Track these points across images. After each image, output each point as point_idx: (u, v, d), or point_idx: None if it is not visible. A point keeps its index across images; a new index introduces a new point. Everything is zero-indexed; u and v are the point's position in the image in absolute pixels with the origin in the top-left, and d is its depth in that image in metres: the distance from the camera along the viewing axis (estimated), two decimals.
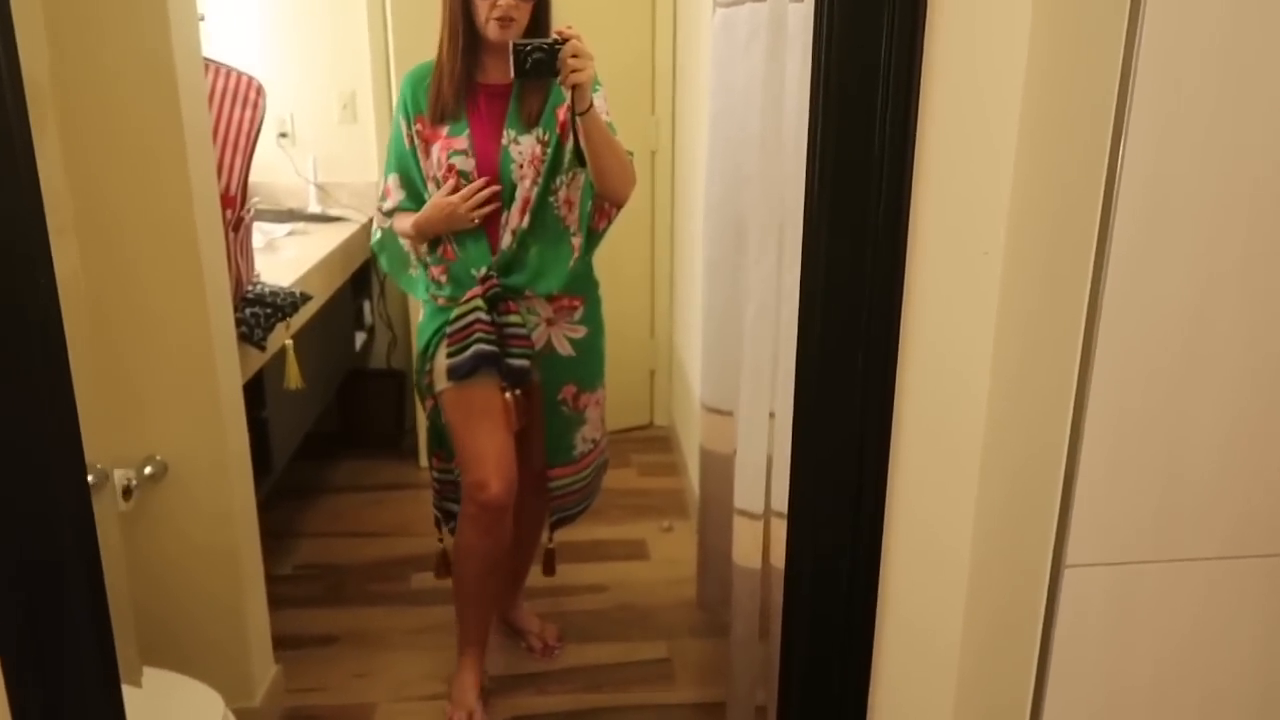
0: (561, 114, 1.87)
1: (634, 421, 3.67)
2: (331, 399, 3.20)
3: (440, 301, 1.98)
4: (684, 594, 2.56)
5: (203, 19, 2.94)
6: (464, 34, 1.83)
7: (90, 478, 1.19)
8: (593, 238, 2.03)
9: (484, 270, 1.91)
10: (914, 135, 0.83)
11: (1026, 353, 0.89)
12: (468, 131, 1.86)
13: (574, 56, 1.71)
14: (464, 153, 1.86)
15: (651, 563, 2.77)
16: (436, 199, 1.89)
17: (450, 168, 1.87)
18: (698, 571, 2.32)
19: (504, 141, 1.86)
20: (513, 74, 1.73)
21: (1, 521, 0.87)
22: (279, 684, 2.10)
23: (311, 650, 2.34)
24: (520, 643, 2.35)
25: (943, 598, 0.94)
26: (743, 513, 1.68)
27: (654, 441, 3.59)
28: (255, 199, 3.09)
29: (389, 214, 2.00)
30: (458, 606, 2.13)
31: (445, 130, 1.87)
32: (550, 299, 1.96)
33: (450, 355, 1.93)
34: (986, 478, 0.91)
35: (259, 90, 1.89)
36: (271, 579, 2.58)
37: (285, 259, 2.64)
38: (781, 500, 1.55)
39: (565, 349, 2.01)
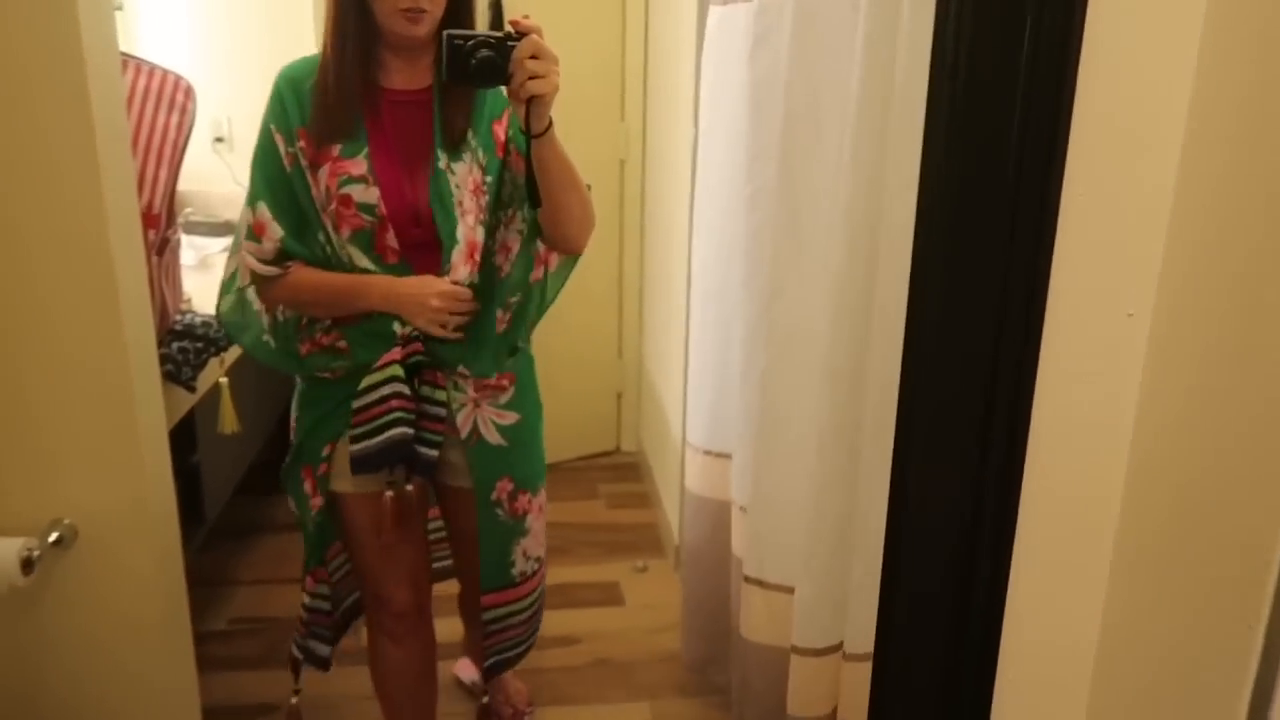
0: (500, 130, 1.44)
1: (600, 447, 3.45)
2: (274, 429, 2.93)
3: (335, 374, 1.52)
4: (665, 645, 2.35)
5: (119, 8, 2.66)
6: (356, 25, 1.37)
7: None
8: (530, 295, 1.52)
9: (409, 328, 1.44)
10: (1062, 160, 0.63)
11: (1201, 446, 0.69)
12: (366, 152, 1.40)
13: (533, 58, 1.25)
14: (362, 180, 1.39)
15: (627, 609, 2.55)
16: (421, 282, 1.41)
17: (345, 200, 1.39)
18: (682, 627, 2.11)
19: (439, 165, 1.40)
20: (447, 76, 1.28)
21: None
22: None
23: None
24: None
25: None
26: (755, 582, 1.47)
27: (622, 469, 3.37)
28: (188, 210, 2.81)
29: (272, 261, 1.46)
30: (386, 713, 1.81)
31: (336, 150, 1.40)
32: (480, 379, 1.52)
33: (354, 440, 1.47)
34: (1129, 612, 0.71)
35: (188, 92, 1.63)
36: (202, 636, 2.31)
37: (220, 279, 2.36)
38: (813, 577, 1.34)
39: (494, 437, 1.56)
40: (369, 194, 1.39)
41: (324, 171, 1.40)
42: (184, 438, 1.94)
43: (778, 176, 1.32)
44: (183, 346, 1.71)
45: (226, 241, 2.68)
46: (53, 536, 1.50)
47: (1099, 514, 0.75)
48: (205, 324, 1.83)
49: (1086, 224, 0.67)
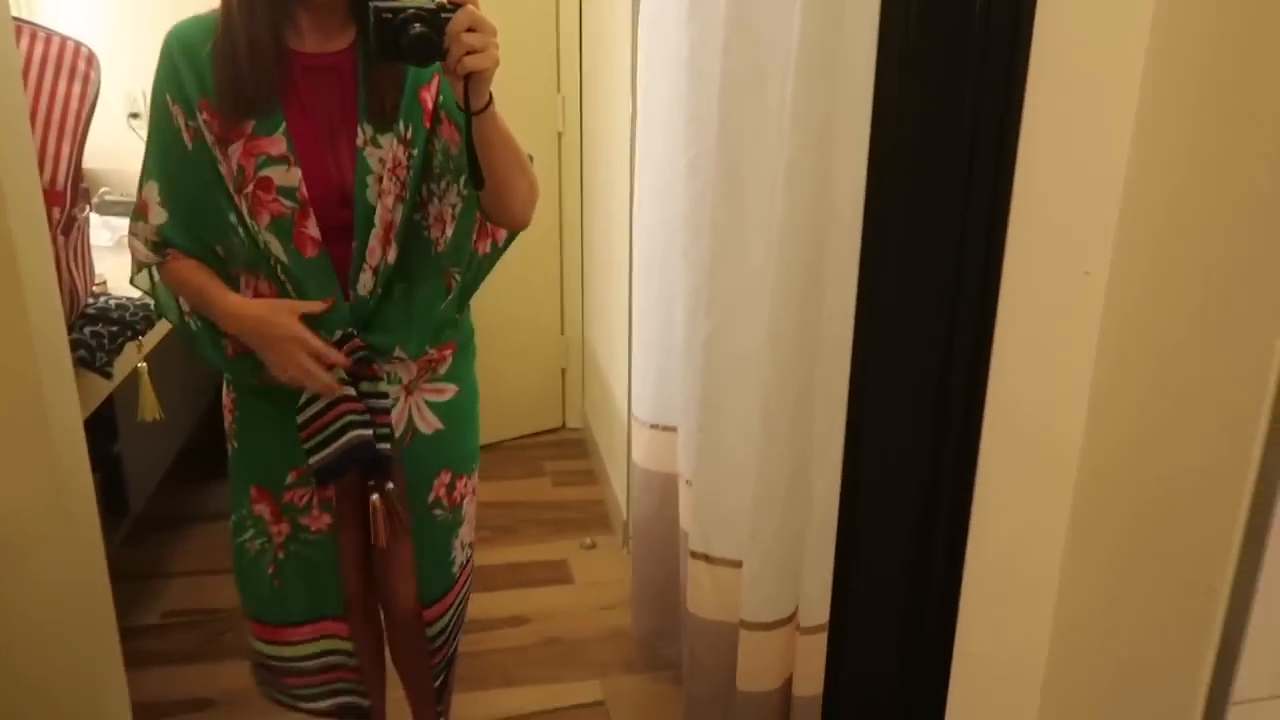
0: (428, 97, 1.30)
1: (544, 425, 3.40)
2: (203, 411, 2.82)
3: (263, 382, 1.38)
4: (614, 622, 2.32)
5: None
6: None
7: None
8: (475, 268, 1.44)
9: (340, 332, 1.33)
10: (1017, 117, 0.59)
11: (1166, 405, 0.67)
12: (284, 128, 1.25)
13: (470, 31, 1.13)
14: (282, 161, 1.25)
15: (576, 586, 2.52)
16: (280, 318, 1.29)
17: (263, 183, 1.25)
18: (632, 602, 2.09)
19: (359, 142, 1.27)
20: (376, 54, 1.15)
21: None
22: None
23: (182, 719, 2.00)
24: None
25: None
26: (702, 556, 1.44)
27: (567, 445, 3.33)
28: (103, 190, 2.68)
29: (157, 245, 1.33)
30: None
31: (249, 126, 1.24)
32: (419, 357, 1.40)
33: (310, 453, 1.37)
34: (1088, 575, 0.69)
35: (89, 59, 1.53)
36: (134, 631, 2.23)
37: None
38: (762, 550, 1.31)
39: (430, 423, 1.44)
40: (290, 176, 1.25)
41: (235, 150, 1.25)
42: (103, 427, 1.85)
43: (717, 141, 1.28)
44: (96, 331, 1.61)
45: None
46: None
47: (1057, 477, 0.73)
48: (120, 307, 1.74)
49: (1043, 181, 0.64)
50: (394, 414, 1.40)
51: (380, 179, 1.28)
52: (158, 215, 1.31)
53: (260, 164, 1.25)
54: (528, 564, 2.59)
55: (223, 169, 1.27)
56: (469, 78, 1.16)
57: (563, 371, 3.40)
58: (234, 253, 1.33)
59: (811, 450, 1.21)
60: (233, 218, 1.30)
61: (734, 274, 1.31)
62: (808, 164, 1.09)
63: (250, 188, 1.26)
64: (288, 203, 1.27)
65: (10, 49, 1.36)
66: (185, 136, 1.27)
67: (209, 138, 1.26)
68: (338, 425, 1.35)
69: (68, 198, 1.52)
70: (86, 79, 1.52)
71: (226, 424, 1.51)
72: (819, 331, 1.14)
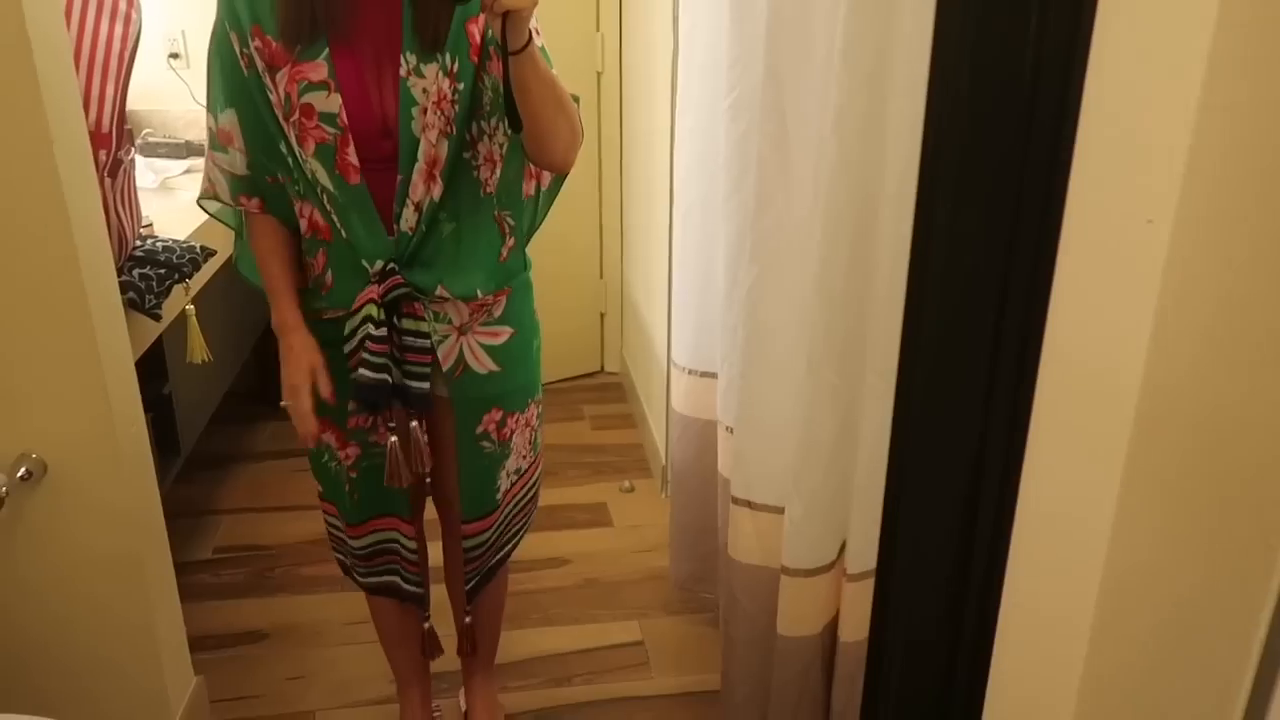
0: (475, 31, 1.27)
1: (583, 369, 3.41)
2: (248, 355, 2.87)
3: (324, 315, 1.41)
4: (652, 565, 2.35)
5: None
6: None
7: None
8: (524, 212, 1.42)
9: (381, 264, 1.34)
10: (1083, 62, 0.57)
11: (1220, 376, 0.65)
12: (326, 53, 1.24)
13: None
14: (323, 87, 1.24)
15: (615, 529, 2.54)
16: (300, 363, 1.37)
17: (306, 109, 1.25)
18: (670, 547, 2.10)
19: (402, 72, 1.25)
20: None
21: None
22: (200, 698, 1.82)
23: (238, 650, 2.07)
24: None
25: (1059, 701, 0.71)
26: (744, 503, 1.44)
27: (606, 389, 3.34)
28: (146, 131, 2.70)
29: (235, 187, 1.37)
30: (382, 644, 1.77)
31: (296, 51, 1.24)
32: (468, 299, 1.39)
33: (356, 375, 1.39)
34: (1140, 532, 0.68)
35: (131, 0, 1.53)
36: (187, 566, 2.29)
37: (183, 202, 2.28)
38: (803, 495, 1.31)
39: (484, 363, 1.44)
40: (330, 102, 1.25)
41: (282, 76, 1.25)
42: (154, 368, 1.88)
43: (763, 83, 1.25)
44: (144, 274, 1.63)
45: (189, 164, 2.58)
46: (20, 471, 1.45)
47: (1113, 425, 0.71)
48: (168, 249, 1.76)
49: (1107, 127, 0.62)
50: (443, 350, 1.41)
51: (425, 111, 1.26)
52: (240, 148, 1.34)
53: (302, 89, 1.25)
54: (567, 506, 2.62)
55: (272, 96, 1.27)
56: (507, 16, 1.14)
57: (601, 316, 3.40)
58: (291, 181, 1.35)
59: (858, 398, 1.20)
60: (283, 146, 1.31)
61: (778, 221, 1.29)
62: (857, 108, 1.06)
63: (296, 115, 1.26)
64: (329, 129, 1.26)
65: None
66: (242, 63, 1.28)
67: (260, 64, 1.26)
68: (377, 361, 1.36)
69: (113, 140, 1.53)
70: (128, 19, 1.52)
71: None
72: (869, 280, 1.13)
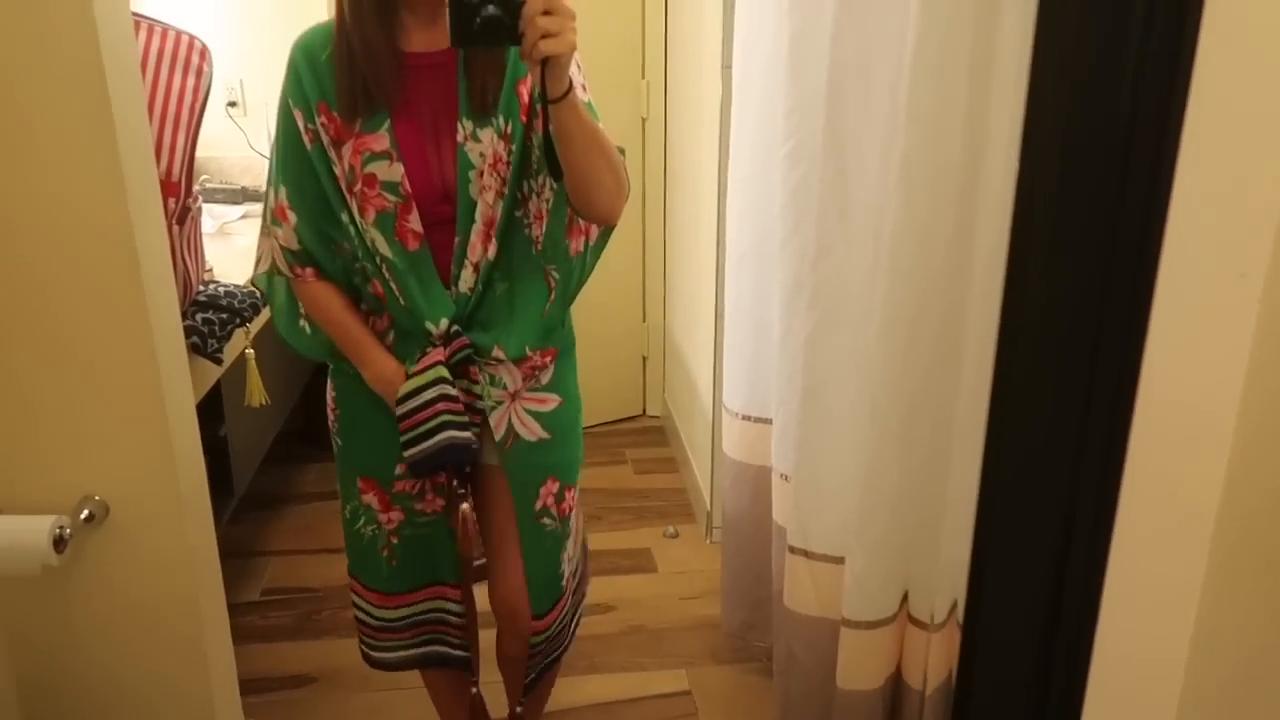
0: (524, 91, 1.30)
1: (625, 412, 3.41)
2: (299, 397, 2.90)
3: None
4: (699, 612, 2.32)
5: None
6: None
7: None
8: (571, 268, 1.41)
9: (445, 324, 1.35)
10: (1180, 115, 0.57)
11: None
12: (388, 125, 1.28)
13: (546, 14, 1.10)
14: (386, 156, 1.28)
15: (659, 575, 2.52)
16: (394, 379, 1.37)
17: (369, 179, 1.29)
18: (722, 594, 2.08)
19: (459, 138, 1.29)
20: (452, 40, 1.14)
21: None
22: None
23: (285, 694, 2.07)
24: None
25: None
26: (801, 552, 1.43)
27: (647, 434, 3.34)
28: (204, 177, 2.76)
29: (290, 258, 1.39)
30: (436, 706, 1.76)
31: (358, 125, 1.29)
32: (520, 361, 1.40)
33: (405, 446, 1.39)
34: (1232, 582, 0.66)
35: (203, 53, 1.57)
36: (236, 608, 2.30)
37: (239, 247, 2.33)
38: (864, 546, 1.29)
39: (533, 430, 1.44)
40: (392, 171, 1.29)
41: (347, 149, 1.30)
42: (211, 410, 1.91)
43: (824, 131, 1.25)
44: (207, 318, 1.66)
45: (245, 209, 2.63)
46: (84, 514, 1.47)
47: (1206, 480, 0.70)
48: (229, 294, 1.79)
49: (1202, 181, 0.61)
50: (494, 417, 1.41)
51: (481, 174, 1.29)
52: (292, 218, 1.36)
53: (365, 160, 1.28)
54: (611, 551, 2.60)
55: (336, 169, 1.31)
56: (545, 63, 1.14)
57: (644, 359, 3.40)
58: (349, 253, 1.37)
59: (918, 447, 1.18)
60: (344, 217, 1.34)
61: (837, 269, 1.29)
62: (923, 160, 1.06)
63: (359, 185, 1.30)
64: (391, 197, 1.30)
65: (130, 44, 1.41)
66: (305, 139, 1.32)
67: (325, 139, 1.30)
68: (433, 423, 1.36)
69: (182, 188, 1.57)
70: (200, 72, 1.56)
71: (330, 421, 1.55)
72: (931, 330, 1.12)
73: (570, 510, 1.49)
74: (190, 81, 1.54)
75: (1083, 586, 0.68)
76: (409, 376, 1.36)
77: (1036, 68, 0.58)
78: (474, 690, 1.61)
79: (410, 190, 1.29)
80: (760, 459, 1.79)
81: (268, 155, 2.85)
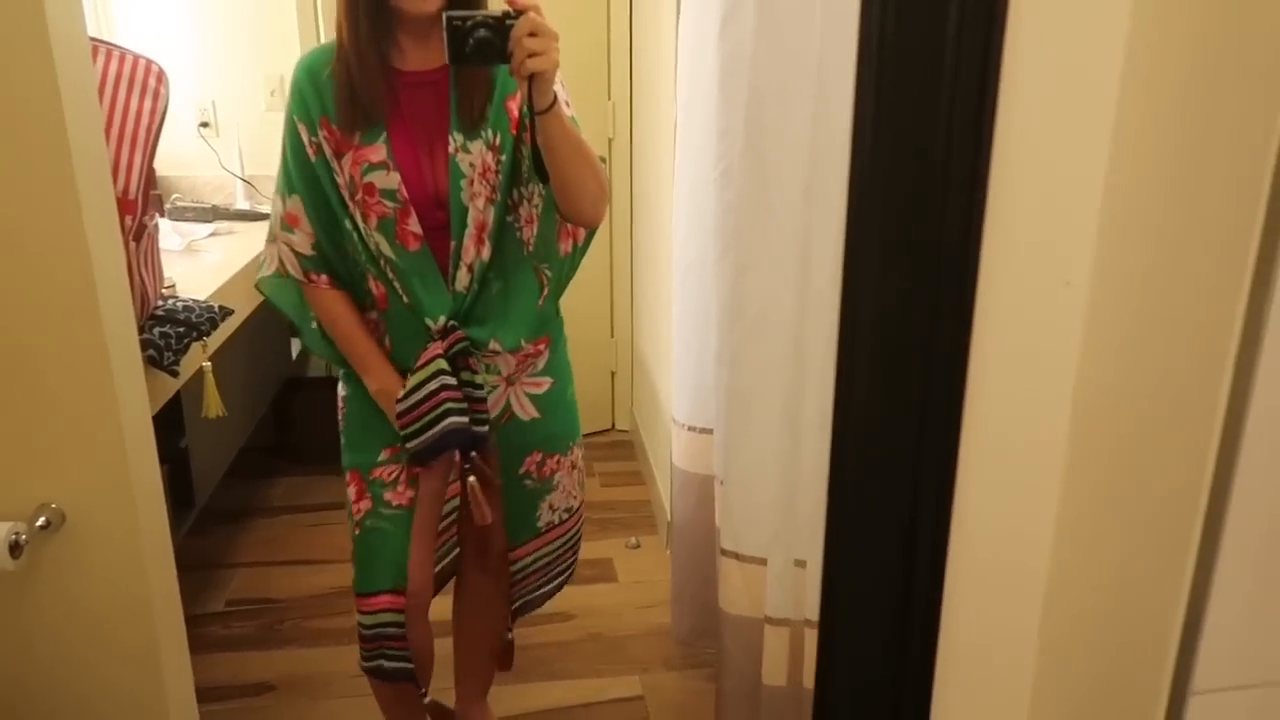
0: (514, 107, 1.44)
1: (594, 426, 3.46)
2: (265, 411, 2.95)
3: None
4: (655, 620, 2.37)
5: None
6: (369, 7, 1.36)
7: None
8: (562, 266, 1.58)
9: (443, 320, 1.48)
10: (990, 127, 0.63)
11: (1136, 414, 0.70)
12: (384, 137, 1.40)
13: (532, 35, 1.25)
14: (382, 166, 1.40)
15: (619, 585, 2.57)
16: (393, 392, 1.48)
17: (368, 188, 1.41)
18: (672, 601, 2.13)
19: (450, 150, 1.41)
20: (448, 58, 1.28)
21: None
22: None
23: (244, 702, 2.11)
24: None
25: None
26: (732, 554, 1.48)
27: (616, 447, 3.39)
28: (175, 196, 2.82)
29: (304, 263, 1.50)
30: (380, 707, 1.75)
31: (357, 138, 1.41)
32: (515, 351, 1.54)
33: (408, 439, 1.50)
34: (1071, 572, 0.72)
35: (159, 76, 1.63)
36: (199, 618, 2.34)
37: (207, 263, 2.37)
38: (787, 546, 1.36)
39: (528, 411, 1.60)
40: (390, 179, 1.40)
41: (347, 160, 1.41)
42: (171, 422, 1.95)
43: (744, 154, 1.32)
44: (164, 332, 1.71)
45: (214, 227, 2.68)
46: (40, 521, 1.51)
47: (1040, 488, 0.76)
48: (188, 309, 1.84)
49: (1020, 192, 0.67)
50: (492, 399, 1.54)
51: (471, 182, 1.42)
52: (308, 225, 1.48)
53: (365, 170, 1.41)
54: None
55: (339, 179, 1.43)
56: (532, 79, 1.28)
57: (612, 374, 3.46)
58: (355, 256, 1.49)
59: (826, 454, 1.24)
60: (348, 224, 1.46)
61: (761, 283, 1.35)
62: (824, 182, 1.12)
63: (359, 194, 1.42)
64: (390, 204, 1.42)
65: (87, 67, 1.47)
66: (309, 151, 1.44)
67: (327, 151, 1.42)
68: (437, 412, 1.47)
69: (139, 206, 1.62)
70: (157, 95, 1.62)
71: (340, 420, 1.65)
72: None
73: (552, 473, 1.65)
74: (147, 104, 1.60)
75: (926, 592, 0.73)
76: (411, 374, 1.48)
77: (860, 80, 0.64)
78: (426, 700, 1.66)
79: (407, 196, 1.41)
80: (705, 468, 1.84)
81: (238, 174, 2.92)
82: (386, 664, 1.61)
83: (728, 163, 1.47)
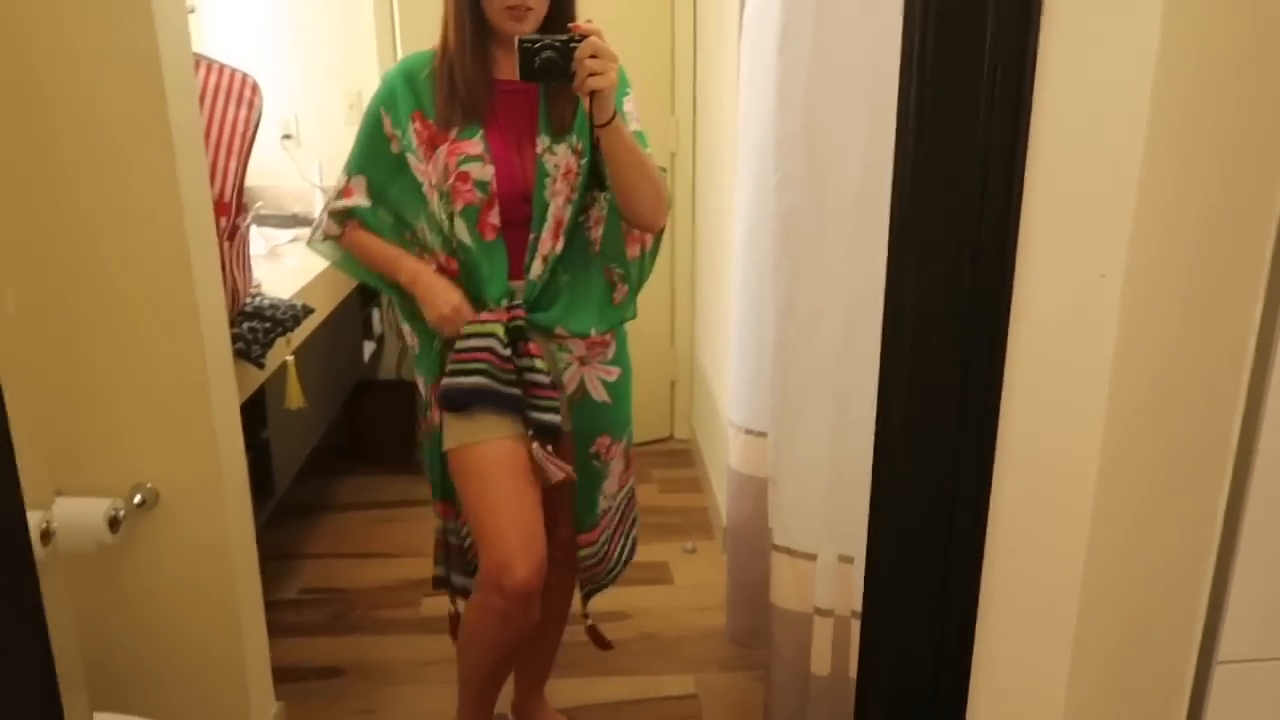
0: None
1: (654, 435, 3.52)
2: (338, 412, 3.07)
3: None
4: (710, 622, 2.41)
5: (192, 11, 2.82)
6: (472, 24, 1.52)
7: (44, 518, 1.05)
8: (631, 268, 1.70)
9: (506, 303, 1.61)
10: (1026, 128, 0.68)
11: (1167, 399, 0.74)
12: (482, 133, 1.55)
13: (593, 57, 1.40)
14: (479, 159, 1.55)
15: (675, 588, 2.62)
16: (446, 288, 1.59)
17: (463, 176, 1.55)
18: (726, 601, 2.17)
19: (538, 150, 1.56)
20: (519, 75, 1.44)
21: None
22: None
23: (315, 684, 2.20)
24: None
25: (1051, 699, 0.79)
26: (784, 550, 1.53)
27: (675, 455, 3.44)
28: (259, 204, 2.97)
29: (341, 217, 1.65)
30: (461, 691, 1.81)
31: (454, 133, 1.56)
32: (584, 338, 1.66)
33: (449, 375, 1.60)
34: (1106, 552, 0.76)
35: (254, 88, 1.75)
36: (274, 604, 2.45)
37: (288, 267, 2.50)
38: (835, 541, 1.40)
39: (599, 393, 1.71)
40: (485, 172, 1.54)
41: (442, 151, 1.56)
42: (255, 414, 2.07)
43: (801, 163, 1.38)
44: (252, 326, 1.83)
45: (295, 233, 2.82)
46: (136, 498, 1.63)
47: (1075, 482, 0.79)
48: (273, 306, 1.95)
49: (1057, 187, 0.72)
50: (567, 376, 1.66)
51: (554, 181, 1.56)
52: (361, 200, 1.63)
53: (460, 161, 1.54)
54: (632, 564, 2.70)
55: (422, 166, 1.58)
56: (592, 95, 1.44)
57: (672, 384, 3.52)
58: (425, 236, 1.62)
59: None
60: (430, 208, 1.60)
61: (812, 291, 1.40)
62: (875, 188, 1.17)
63: (452, 179, 1.55)
64: (479, 194, 1.55)
65: (189, 80, 1.59)
66: (392, 145, 1.59)
67: (416, 143, 1.57)
68: (475, 365, 1.58)
69: (233, 208, 1.74)
70: (251, 105, 1.74)
71: (406, 329, 1.77)
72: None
73: (610, 459, 1.76)
74: (243, 113, 1.72)
75: (964, 585, 0.77)
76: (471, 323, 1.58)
77: (902, 92, 0.70)
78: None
79: (497, 190, 1.55)
80: (760, 470, 1.89)
81: (317, 184, 3.06)
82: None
83: (785, 171, 1.52)
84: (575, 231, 1.61)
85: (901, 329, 0.72)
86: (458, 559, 1.84)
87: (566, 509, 1.76)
